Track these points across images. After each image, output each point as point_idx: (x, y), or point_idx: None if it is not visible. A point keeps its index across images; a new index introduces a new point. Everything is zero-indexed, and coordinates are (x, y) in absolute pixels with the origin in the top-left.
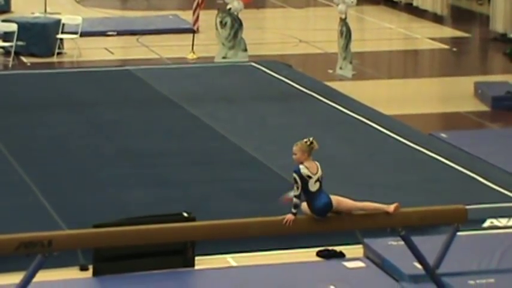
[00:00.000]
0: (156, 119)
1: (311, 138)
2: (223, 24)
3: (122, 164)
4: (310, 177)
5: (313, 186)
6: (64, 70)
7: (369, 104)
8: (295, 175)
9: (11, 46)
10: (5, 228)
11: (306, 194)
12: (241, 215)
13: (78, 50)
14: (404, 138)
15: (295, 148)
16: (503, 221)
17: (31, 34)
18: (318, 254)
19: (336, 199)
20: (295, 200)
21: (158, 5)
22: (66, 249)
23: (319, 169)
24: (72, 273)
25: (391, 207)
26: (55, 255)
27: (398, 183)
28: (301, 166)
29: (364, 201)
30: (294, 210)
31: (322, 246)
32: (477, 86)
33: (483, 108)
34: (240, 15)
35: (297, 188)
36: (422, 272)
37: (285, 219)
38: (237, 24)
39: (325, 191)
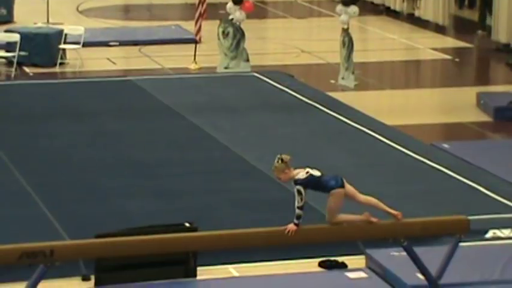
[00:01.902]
0: (158, 129)
1: (278, 156)
2: (225, 35)
3: (124, 174)
4: (308, 173)
5: (316, 172)
6: (66, 80)
7: (371, 115)
8: (298, 187)
9: (14, 56)
10: (7, 238)
11: (317, 184)
12: (243, 225)
13: (81, 60)
14: (407, 149)
15: (276, 175)
16: (505, 232)
17: (33, 44)
18: (320, 264)
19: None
20: (298, 211)
21: (160, 15)
22: (68, 259)
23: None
24: (74, 284)
25: (396, 212)
26: (57, 265)
27: (400, 193)
28: (296, 177)
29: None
30: (296, 221)
31: (324, 256)
32: (479, 96)
33: (485, 118)
34: (242, 26)
35: (301, 199)
36: (425, 282)
37: (287, 229)
38: (239, 35)
39: None
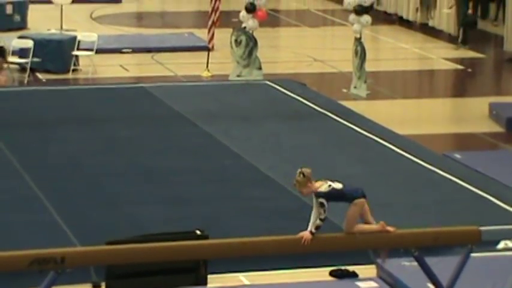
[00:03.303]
0: (170, 136)
1: (298, 170)
2: (238, 43)
3: (136, 181)
4: (330, 186)
5: (338, 185)
6: (79, 87)
7: (383, 124)
8: (321, 200)
9: (27, 62)
10: (19, 244)
11: (339, 196)
12: (254, 234)
13: (94, 67)
14: (418, 159)
15: (297, 189)
16: None
17: (47, 51)
18: (331, 273)
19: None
20: (319, 222)
21: (173, 22)
22: (79, 266)
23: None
24: None
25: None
26: (68, 271)
27: (411, 203)
28: (318, 190)
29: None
30: (314, 231)
31: (335, 265)
32: (492, 106)
33: (497, 129)
34: (255, 34)
35: (324, 211)
36: None
37: (303, 238)
38: (251, 43)
39: None
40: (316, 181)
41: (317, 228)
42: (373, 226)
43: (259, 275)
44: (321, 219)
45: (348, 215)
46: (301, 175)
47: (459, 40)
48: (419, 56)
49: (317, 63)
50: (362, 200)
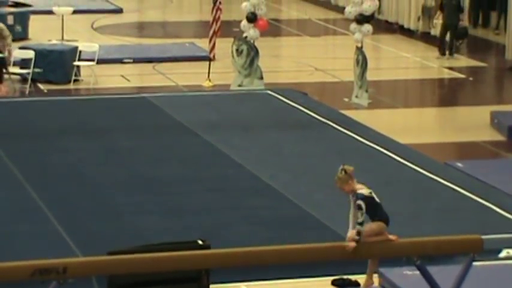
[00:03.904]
0: (172, 146)
1: (341, 167)
2: (239, 52)
3: (137, 191)
4: (371, 193)
5: (376, 197)
6: (80, 97)
7: (384, 133)
8: (360, 202)
9: (28, 73)
10: (20, 254)
11: (374, 208)
12: (256, 243)
13: (95, 77)
14: (420, 167)
15: (338, 185)
16: None
17: (48, 61)
18: (333, 282)
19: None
20: (359, 227)
21: (175, 32)
22: (81, 276)
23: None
24: None
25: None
26: (70, 282)
27: (413, 212)
28: (359, 192)
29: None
30: (357, 237)
31: (337, 275)
32: (493, 115)
33: (499, 137)
34: (256, 43)
35: (361, 214)
36: None
37: (348, 247)
38: (253, 52)
39: None
40: (358, 182)
41: (359, 234)
42: (379, 237)
43: (262, 285)
44: (359, 223)
45: (369, 229)
46: (343, 172)
47: (447, 51)
48: (421, 65)
49: (318, 73)
50: (384, 225)
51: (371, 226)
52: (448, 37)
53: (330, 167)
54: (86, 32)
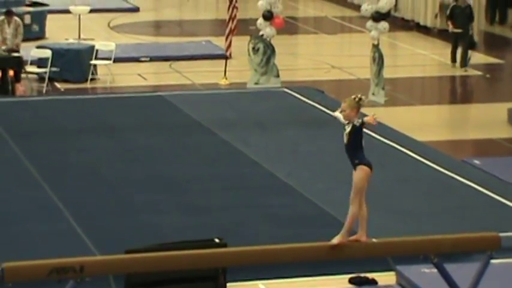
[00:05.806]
0: (189, 144)
1: (359, 95)
2: (255, 50)
3: (154, 190)
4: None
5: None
6: (97, 96)
7: (401, 130)
8: (336, 114)
9: (45, 72)
10: (38, 253)
11: (359, 145)
12: (273, 241)
13: (112, 76)
14: (437, 165)
15: (344, 105)
16: None
17: (65, 60)
18: (351, 280)
19: None
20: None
21: (191, 30)
22: (98, 275)
23: None
24: None
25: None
26: (87, 280)
27: (430, 209)
28: (354, 123)
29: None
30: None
31: (354, 273)
32: (510, 112)
33: None
34: (272, 41)
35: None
36: None
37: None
38: (269, 50)
39: None
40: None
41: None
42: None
43: (278, 283)
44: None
45: (356, 182)
46: (357, 98)
47: (458, 62)
48: (437, 62)
49: (335, 70)
50: (367, 169)
51: (356, 179)
52: (459, 48)
53: (347, 165)
54: (102, 31)
